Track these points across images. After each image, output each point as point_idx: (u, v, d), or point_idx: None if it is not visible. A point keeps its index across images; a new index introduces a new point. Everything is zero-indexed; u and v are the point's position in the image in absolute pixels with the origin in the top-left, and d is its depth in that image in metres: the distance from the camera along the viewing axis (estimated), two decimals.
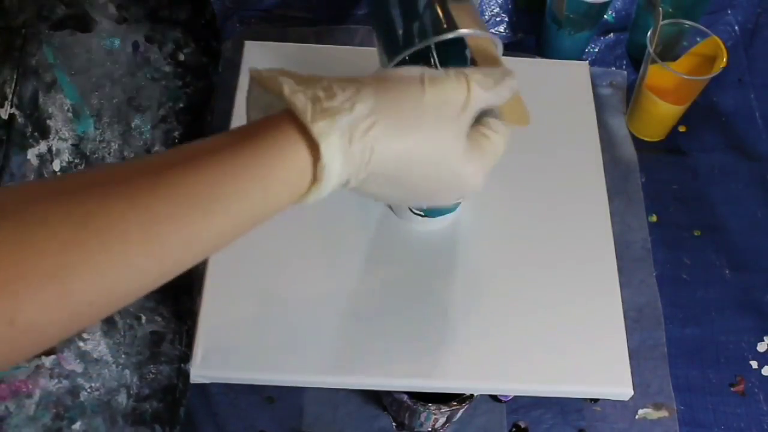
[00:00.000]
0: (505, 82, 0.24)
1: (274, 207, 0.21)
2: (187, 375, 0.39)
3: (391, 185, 0.23)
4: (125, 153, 0.40)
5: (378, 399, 0.41)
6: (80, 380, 0.34)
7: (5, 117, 0.32)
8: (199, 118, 0.48)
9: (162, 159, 0.19)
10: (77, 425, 0.33)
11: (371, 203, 0.38)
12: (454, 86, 0.22)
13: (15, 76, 0.33)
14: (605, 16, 0.52)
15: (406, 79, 0.22)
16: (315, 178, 0.21)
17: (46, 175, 0.34)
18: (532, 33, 0.55)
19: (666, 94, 0.46)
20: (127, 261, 0.17)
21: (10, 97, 0.32)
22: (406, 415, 0.37)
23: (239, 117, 0.41)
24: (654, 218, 0.47)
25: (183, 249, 0.19)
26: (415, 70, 0.23)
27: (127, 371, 0.37)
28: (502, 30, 0.55)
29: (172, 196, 0.18)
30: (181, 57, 0.45)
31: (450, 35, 0.26)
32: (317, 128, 0.20)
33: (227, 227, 0.20)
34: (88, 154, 0.37)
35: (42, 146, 0.34)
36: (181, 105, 0.46)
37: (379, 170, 0.22)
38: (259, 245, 0.36)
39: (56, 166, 0.35)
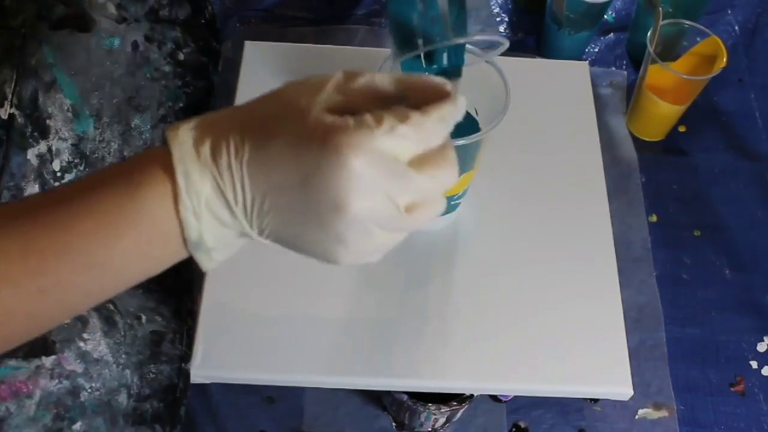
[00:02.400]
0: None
1: (153, 259, 0.20)
2: (187, 374, 0.39)
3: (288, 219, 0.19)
4: (125, 153, 0.40)
5: (378, 399, 0.41)
6: (81, 380, 0.34)
7: (5, 117, 0.32)
8: None
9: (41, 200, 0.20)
10: (78, 425, 0.33)
11: None
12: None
13: (14, 76, 0.33)
14: (605, 16, 0.52)
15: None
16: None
17: (45, 175, 0.34)
18: (532, 33, 0.55)
19: (666, 94, 0.46)
20: (14, 286, 0.18)
21: (9, 97, 0.32)
22: (406, 415, 0.37)
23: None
24: (654, 218, 0.47)
25: (66, 287, 0.19)
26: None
27: (127, 371, 0.37)
28: (502, 30, 0.55)
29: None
30: (181, 57, 0.45)
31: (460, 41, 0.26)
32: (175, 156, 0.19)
33: (107, 274, 0.20)
34: (87, 153, 0.37)
35: (42, 146, 0.34)
36: (181, 105, 0.46)
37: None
38: (259, 245, 0.36)
39: (56, 165, 0.35)
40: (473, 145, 0.30)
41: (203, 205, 0.19)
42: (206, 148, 0.19)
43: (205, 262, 0.21)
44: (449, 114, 0.20)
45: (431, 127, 0.19)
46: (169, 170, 0.19)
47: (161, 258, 0.21)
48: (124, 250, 0.19)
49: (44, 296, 0.19)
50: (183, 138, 0.19)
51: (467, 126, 0.33)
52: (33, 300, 0.19)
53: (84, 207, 0.19)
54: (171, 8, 0.44)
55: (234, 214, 0.19)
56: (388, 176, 0.18)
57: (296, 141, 0.18)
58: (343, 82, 0.19)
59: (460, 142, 0.29)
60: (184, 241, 0.20)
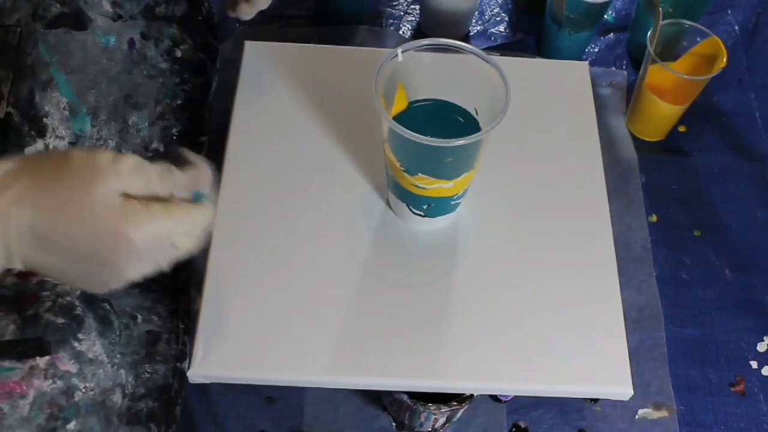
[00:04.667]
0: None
1: None
2: (182, 374, 0.38)
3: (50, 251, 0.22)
4: (122, 150, 0.40)
5: (378, 399, 0.40)
6: (75, 380, 0.33)
7: (1, 116, 0.32)
8: (197, 116, 0.48)
9: None
10: (72, 425, 0.33)
11: (372, 203, 0.38)
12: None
13: (11, 75, 0.33)
14: (605, 16, 0.52)
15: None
16: None
17: None
18: (532, 33, 0.55)
19: (666, 94, 0.46)
20: None
21: (6, 95, 0.32)
22: (406, 415, 0.36)
23: (238, 116, 0.41)
24: (654, 218, 0.47)
25: None
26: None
27: (122, 371, 0.36)
28: (502, 30, 0.55)
29: None
30: (178, 54, 0.45)
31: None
32: None
33: None
34: None
35: (39, 144, 0.34)
36: (179, 102, 0.45)
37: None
38: (259, 245, 0.36)
39: None
40: (473, 145, 0.29)
41: None
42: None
43: None
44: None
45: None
46: None
47: None
48: None
49: None
50: None
51: (467, 126, 0.33)
52: None
53: None
54: (167, 5, 0.44)
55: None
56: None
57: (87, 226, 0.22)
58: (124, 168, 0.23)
59: (460, 142, 0.28)
60: None
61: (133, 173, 0.23)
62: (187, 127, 0.46)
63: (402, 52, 0.31)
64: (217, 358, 0.32)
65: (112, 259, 0.22)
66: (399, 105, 0.32)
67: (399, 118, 0.31)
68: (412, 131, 0.28)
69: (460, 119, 0.33)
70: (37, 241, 0.21)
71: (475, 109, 0.33)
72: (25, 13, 0.34)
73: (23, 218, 0.21)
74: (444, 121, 0.33)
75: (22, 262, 0.22)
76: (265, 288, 0.34)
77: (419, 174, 0.31)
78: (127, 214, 0.22)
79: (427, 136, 0.28)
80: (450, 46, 0.31)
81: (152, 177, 0.23)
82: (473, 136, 0.29)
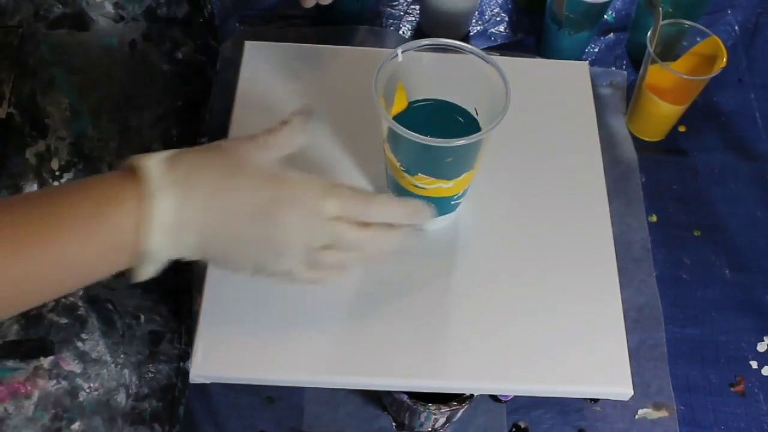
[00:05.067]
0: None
1: (107, 264, 0.24)
2: (186, 374, 0.38)
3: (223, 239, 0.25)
4: (123, 152, 0.40)
5: (378, 399, 0.41)
6: (79, 380, 0.34)
7: (3, 116, 0.32)
8: (197, 117, 0.48)
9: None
10: (76, 425, 0.33)
11: None
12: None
13: (13, 75, 0.33)
14: (605, 16, 0.52)
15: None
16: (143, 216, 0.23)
17: (44, 174, 0.34)
18: (532, 33, 0.55)
19: (666, 94, 0.46)
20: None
21: (7, 96, 0.32)
22: (406, 415, 0.37)
23: (238, 116, 0.41)
24: (654, 218, 0.47)
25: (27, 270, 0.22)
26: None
27: (126, 371, 0.37)
28: (502, 30, 0.55)
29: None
30: (179, 56, 0.45)
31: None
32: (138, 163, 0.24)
33: (68, 256, 0.23)
34: (86, 153, 0.37)
35: (40, 145, 0.34)
36: (179, 104, 0.45)
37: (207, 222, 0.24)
38: None
39: (55, 165, 0.35)
40: (473, 145, 0.30)
41: (166, 226, 0.24)
42: (172, 176, 0.24)
43: (142, 273, 0.25)
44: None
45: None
46: (137, 194, 0.23)
47: (114, 264, 0.25)
48: (93, 253, 0.23)
49: (13, 284, 0.22)
50: (153, 166, 0.24)
51: (467, 126, 0.33)
52: (6, 286, 0.22)
53: (64, 212, 0.23)
54: (169, 7, 0.44)
55: (191, 234, 0.24)
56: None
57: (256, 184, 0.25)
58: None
59: (460, 142, 0.29)
60: (136, 254, 0.24)
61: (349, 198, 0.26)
62: (187, 128, 0.46)
63: (402, 52, 0.31)
64: (217, 358, 0.32)
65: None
66: (399, 105, 0.32)
67: (399, 118, 0.31)
68: (412, 131, 0.28)
69: (460, 119, 0.33)
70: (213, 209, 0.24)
71: (475, 109, 0.33)
72: (27, 13, 0.34)
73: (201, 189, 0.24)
74: (444, 121, 0.33)
75: (198, 234, 0.24)
76: (265, 288, 0.34)
77: (419, 174, 0.31)
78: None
79: (427, 136, 0.28)
80: (450, 46, 0.31)
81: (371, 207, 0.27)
82: (473, 136, 0.29)
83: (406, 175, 0.32)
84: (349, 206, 0.26)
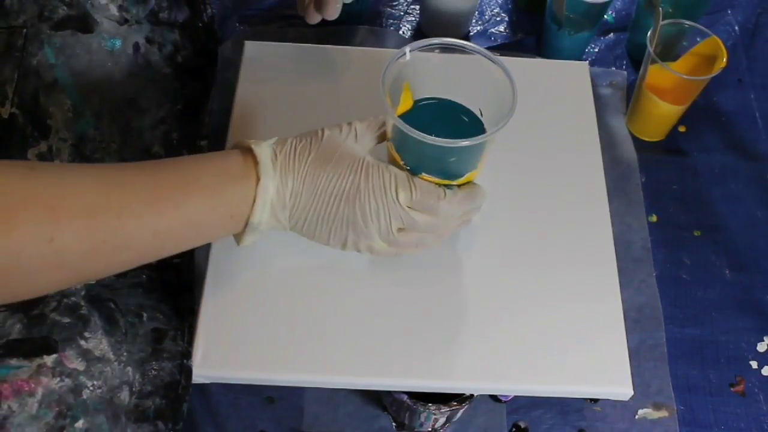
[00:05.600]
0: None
1: (222, 229, 0.30)
2: (189, 371, 0.39)
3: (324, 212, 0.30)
4: (124, 154, 0.41)
5: (378, 399, 0.41)
6: (82, 378, 0.34)
7: (6, 116, 0.32)
8: (196, 120, 0.48)
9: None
10: (80, 423, 0.33)
11: None
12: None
13: (16, 76, 0.33)
14: (605, 16, 0.53)
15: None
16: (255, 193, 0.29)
17: None
18: (532, 33, 0.55)
19: (666, 94, 0.47)
20: (126, 221, 0.26)
21: (10, 96, 0.32)
22: (406, 415, 0.37)
23: (238, 116, 0.41)
24: (654, 218, 0.47)
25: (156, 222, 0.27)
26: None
27: (129, 368, 0.37)
28: (502, 30, 0.56)
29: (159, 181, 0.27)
30: (179, 59, 0.45)
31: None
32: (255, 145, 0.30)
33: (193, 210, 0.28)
34: (88, 154, 0.37)
35: (42, 146, 0.34)
36: (179, 107, 0.46)
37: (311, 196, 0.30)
38: (259, 245, 0.36)
39: None
40: (478, 145, 0.30)
41: (268, 203, 0.29)
42: (280, 160, 0.29)
43: (246, 240, 0.31)
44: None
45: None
46: (251, 174, 0.29)
47: (227, 228, 0.30)
48: (213, 218, 0.28)
49: (155, 237, 0.26)
50: (264, 155, 0.29)
51: (472, 126, 0.33)
52: (144, 237, 0.26)
53: (193, 181, 0.28)
54: (170, 11, 0.44)
55: (285, 212, 0.30)
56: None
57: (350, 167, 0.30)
58: None
59: (464, 143, 0.29)
60: (246, 224, 0.29)
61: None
62: (187, 131, 0.46)
63: (410, 51, 0.31)
64: (217, 358, 0.32)
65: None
66: (404, 104, 0.32)
67: (404, 118, 0.31)
68: (417, 130, 0.28)
69: (465, 119, 0.33)
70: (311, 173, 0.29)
71: (480, 109, 0.33)
72: (31, 14, 0.34)
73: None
74: (449, 120, 0.33)
75: (292, 195, 0.29)
76: (265, 288, 0.34)
77: (423, 173, 0.31)
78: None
79: (431, 135, 0.28)
80: (457, 46, 0.32)
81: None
82: (479, 137, 0.29)
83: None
84: (422, 199, 0.30)
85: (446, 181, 0.32)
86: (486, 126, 0.33)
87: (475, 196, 0.32)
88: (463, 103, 0.33)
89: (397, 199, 0.29)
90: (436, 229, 0.31)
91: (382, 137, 0.32)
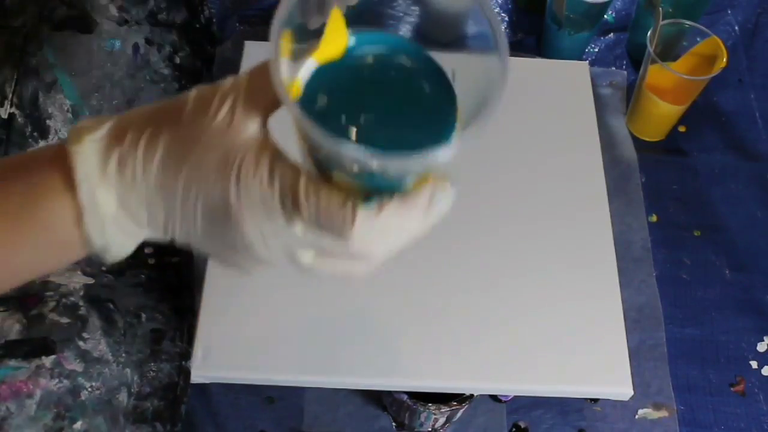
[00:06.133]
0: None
1: (52, 261, 0.21)
2: (188, 372, 0.39)
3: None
4: None
5: (378, 399, 0.41)
6: (81, 379, 0.34)
7: (5, 116, 0.32)
8: None
9: None
10: (78, 424, 0.33)
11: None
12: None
13: (15, 76, 0.33)
14: (605, 16, 0.52)
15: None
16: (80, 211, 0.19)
17: None
18: (532, 33, 0.55)
19: (666, 94, 0.46)
20: None
21: (10, 96, 0.32)
22: (406, 415, 0.37)
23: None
24: (654, 218, 0.47)
25: None
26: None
27: (127, 369, 0.37)
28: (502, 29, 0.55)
29: None
30: (177, 60, 0.45)
31: None
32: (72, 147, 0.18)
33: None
34: None
35: (41, 146, 0.34)
36: None
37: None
38: None
39: None
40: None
41: (108, 222, 0.19)
42: (113, 164, 0.18)
43: (108, 260, 0.21)
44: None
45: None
46: (71, 182, 0.18)
47: (61, 260, 0.21)
48: (24, 253, 0.20)
49: None
50: (87, 151, 0.19)
51: (435, 105, 0.19)
52: None
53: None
54: (168, 12, 0.44)
55: (142, 229, 0.20)
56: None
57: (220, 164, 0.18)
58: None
59: (406, 161, 0.16)
60: (88, 246, 0.20)
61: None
62: None
63: None
64: (217, 358, 0.32)
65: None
66: (330, 46, 0.18)
67: (323, 76, 0.18)
68: (340, 110, 0.17)
69: (426, 87, 0.19)
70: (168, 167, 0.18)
71: (453, 71, 0.19)
72: (31, 14, 0.34)
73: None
74: (398, 87, 0.18)
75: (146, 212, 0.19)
76: (265, 288, 0.34)
77: (335, 171, 0.18)
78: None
79: (360, 119, 0.17)
80: None
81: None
82: (433, 151, 0.16)
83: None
84: (320, 221, 0.18)
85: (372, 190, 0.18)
86: (460, 109, 0.18)
87: (416, 207, 0.18)
88: (430, 55, 0.19)
89: (290, 230, 0.18)
90: (358, 257, 0.19)
91: (260, 114, 0.19)
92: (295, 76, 0.18)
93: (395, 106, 0.18)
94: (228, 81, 0.19)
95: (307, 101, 0.18)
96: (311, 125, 0.16)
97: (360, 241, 0.18)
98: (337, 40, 0.19)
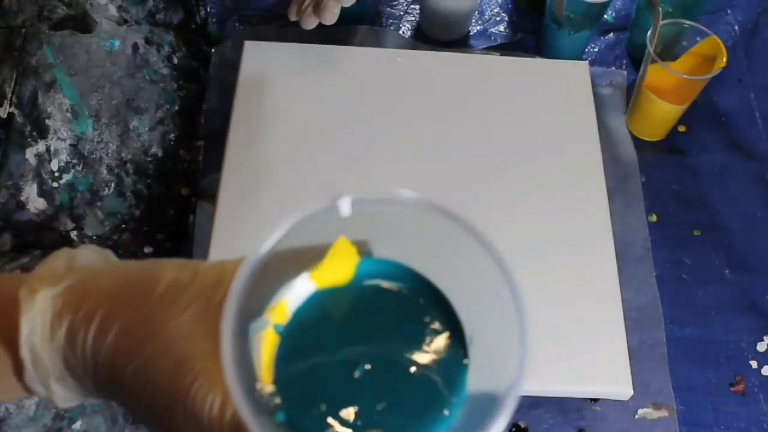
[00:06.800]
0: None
1: None
2: None
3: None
4: (123, 154, 0.40)
5: None
6: None
7: (4, 116, 0.32)
8: (191, 121, 0.48)
9: None
10: (77, 425, 0.33)
11: None
12: None
13: (14, 75, 0.33)
14: (605, 16, 0.52)
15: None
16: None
17: (44, 175, 0.34)
18: (532, 33, 0.55)
19: (666, 94, 0.46)
20: None
21: (9, 96, 0.32)
22: None
23: (238, 116, 0.41)
24: (654, 218, 0.47)
25: None
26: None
27: None
28: (502, 29, 0.55)
29: None
30: (175, 60, 0.45)
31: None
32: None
33: None
34: (86, 154, 0.37)
35: (40, 146, 0.34)
36: (176, 108, 0.46)
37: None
38: (259, 246, 0.36)
39: (54, 165, 0.35)
40: None
41: (53, 381, 0.17)
42: (62, 332, 0.17)
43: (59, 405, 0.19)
44: None
45: None
46: (14, 334, 0.17)
47: (10, 397, 0.20)
48: None
49: None
50: (38, 306, 0.17)
51: (440, 377, 0.15)
52: None
53: None
54: (166, 12, 0.44)
55: (89, 394, 0.18)
56: None
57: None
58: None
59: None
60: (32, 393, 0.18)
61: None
62: (184, 132, 0.46)
63: (350, 203, 0.15)
64: None
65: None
66: (333, 273, 0.16)
67: (318, 306, 0.15)
68: (328, 364, 0.14)
69: (438, 354, 0.16)
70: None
71: (471, 336, 0.16)
72: (30, 14, 0.34)
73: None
74: (405, 344, 0.15)
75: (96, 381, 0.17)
76: None
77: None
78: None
79: (346, 384, 0.14)
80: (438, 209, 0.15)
81: None
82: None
83: None
84: None
85: None
86: (472, 375, 0.15)
87: None
88: (446, 293, 0.16)
89: None
90: None
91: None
92: (282, 294, 0.15)
93: (392, 371, 0.15)
94: (211, 276, 0.16)
95: (290, 332, 0.15)
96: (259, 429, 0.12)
97: None
98: (340, 265, 0.16)
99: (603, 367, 0.33)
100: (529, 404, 0.41)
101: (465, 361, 0.15)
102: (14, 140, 0.33)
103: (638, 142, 0.50)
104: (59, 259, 0.18)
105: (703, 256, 0.46)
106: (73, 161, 0.36)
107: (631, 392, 0.33)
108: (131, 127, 0.41)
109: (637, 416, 0.41)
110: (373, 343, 0.15)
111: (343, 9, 0.53)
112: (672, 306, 0.44)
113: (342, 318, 0.15)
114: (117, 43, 0.40)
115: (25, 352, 0.17)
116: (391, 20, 0.56)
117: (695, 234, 0.47)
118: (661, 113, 0.48)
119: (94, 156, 0.38)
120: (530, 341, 0.14)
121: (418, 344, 0.15)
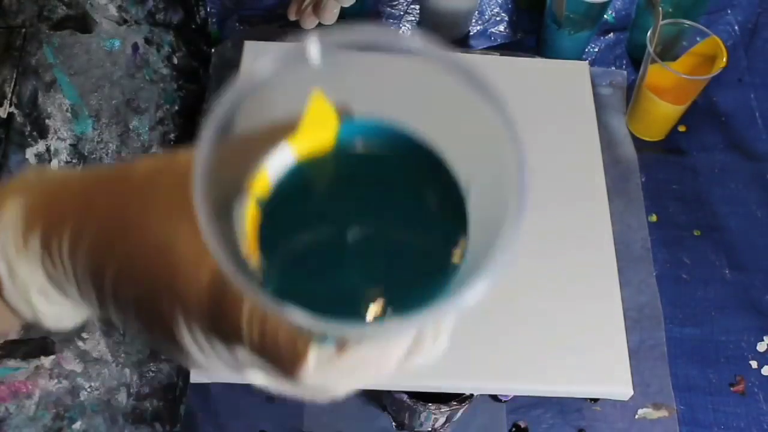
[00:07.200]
0: None
1: None
2: (187, 373, 0.38)
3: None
4: (123, 154, 0.40)
5: (378, 399, 0.41)
6: (80, 380, 0.34)
7: (4, 116, 0.32)
8: (191, 121, 0.48)
9: None
10: (77, 425, 0.33)
11: None
12: None
13: (14, 75, 0.33)
14: (605, 16, 0.52)
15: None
16: None
17: None
18: (532, 33, 0.55)
19: (666, 94, 0.46)
20: None
21: (9, 96, 0.32)
22: (406, 415, 0.37)
23: (240, 114, 0.41)
24: (654, 218, 0.47)
25: None
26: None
27: (126, 370, 0.37)
28: (502, 29, 0.55)
29: None
30: (175, 60, 0.45)
31: None
32: None
33: None
34: (86, 154, 0.37)
35: (40, 145, 0.34)
36: (176, 108, 0.46)
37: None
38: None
39: (54, 165, 0.35)
40: None
41: (34, 294, 0.16)
42: (36, 239, 0.16)
43: (52, 330, 0.18)
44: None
45: None
46: None
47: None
48: None
49: None
50: (9, 215, 0.16)
51: (436, 216, 0.15)
52: None
53: None
54: (166, 12, 0.44)
55: (77, 305, 0.17)
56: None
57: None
58: None
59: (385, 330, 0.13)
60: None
61: None
62: (183, 132, 0.46)
63: (318, 46, 0.13)
64: None
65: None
66: (311, 136, 0.15)
67: (299, 174, 0.14)
68: (312, 234, 0.13)
69: (430, 205, 0.15)
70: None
71: (468, 182, 0.15)
72: (30, 14, 0.34)
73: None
74: (396, 199, 0.14)
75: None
76: None
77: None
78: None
79: (336, 249, 0.13)
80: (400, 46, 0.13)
81: None
82: (423, 316, 0.12)
83: None
84: (262, 363, 0.15)
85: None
86: (473, 225, 0.14)
87: (391, 346, 0.14)
88: (438, 148, 0.14)
89: (226, 345, 0.15)
90: (315, 393, 0.15)
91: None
92: (263, 165, 0.14)
93: (385, 232, 0.14)
94: (188, 156, 0.15)
95: (273, 206, 0.14)
96: (253, 292, 0.11)
97: (315, 381, 0.14)
98: (319, 129, 0.14)
99: (603, 367, 0.33)
100: (529, 404, 0.41)
101: (463, 210, 0.14)
102: (14, 140, 0.33)
103: (638, 142, 0.50)
104: (29, 172, 0.17)
105: (703, 256, 0.46)
106: (73, 161, 0.36)
107: (631, 392, 0.33)
108: (131, 127, 0.41)
109: (637, 416, 0.41)
110: (363, 207, 0.14)
111: (342, 9, 0.54)
112: (672, 306, 0.44)
113: (327, 185, 0.14)
114: (117, 43, 0.40)
115: (1, 267, 0.16)
116: (391, 20, 0.56)
117: (695, 234, 0.47)
118: (661, 113, 0.48)
119: (94, 156, 0.38)
120: (529, 176, 0.12)
121: (411, 201, 0.14)
